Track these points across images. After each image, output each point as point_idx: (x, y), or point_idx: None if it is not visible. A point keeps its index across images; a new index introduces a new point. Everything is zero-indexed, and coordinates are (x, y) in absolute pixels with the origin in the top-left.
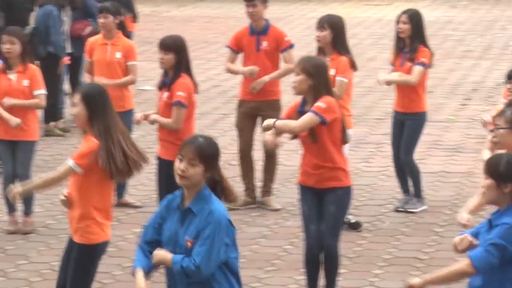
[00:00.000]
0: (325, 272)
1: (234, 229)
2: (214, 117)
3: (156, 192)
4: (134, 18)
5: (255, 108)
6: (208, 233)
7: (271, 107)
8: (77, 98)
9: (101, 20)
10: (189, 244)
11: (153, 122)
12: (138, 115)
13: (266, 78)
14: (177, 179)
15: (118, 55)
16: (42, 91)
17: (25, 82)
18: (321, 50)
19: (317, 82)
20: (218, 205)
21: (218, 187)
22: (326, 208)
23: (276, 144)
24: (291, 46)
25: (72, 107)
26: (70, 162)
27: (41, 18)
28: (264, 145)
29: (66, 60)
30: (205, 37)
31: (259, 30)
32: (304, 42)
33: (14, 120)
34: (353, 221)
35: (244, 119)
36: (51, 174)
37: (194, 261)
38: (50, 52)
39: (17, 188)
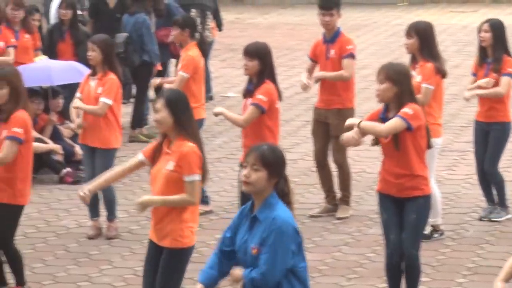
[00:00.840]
0: (406, 281)
1: (300, 237)
2: (297, 124)
3: (239, 198)
4: (219, 26)
5: (325, 115)
6: (271, 241)
7: (341, 116)
8: (160, 104)
9: (173, 33)
10: (254, 251)
11: (218, 114)
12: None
13: (318, 74)
14: (242, 186)
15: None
16: (106, 100)
17: (100, 90)
18: (413, 58)
19: (401, 89)
20: (283, 212)
21: (285, 199)
22: (406, 216)
23: (359, 142)
24: (351, 55)
25: (155, 113)
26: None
27: (133, 27)
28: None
29: (158, 67)
30: (288, 44)
31: (329, 38)
32: (389, 49)
33: (77, 122)
34: (426, 232)
35: (317, 126)
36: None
37: (260, 270)
38: (144, 60)
39: (83, 190)
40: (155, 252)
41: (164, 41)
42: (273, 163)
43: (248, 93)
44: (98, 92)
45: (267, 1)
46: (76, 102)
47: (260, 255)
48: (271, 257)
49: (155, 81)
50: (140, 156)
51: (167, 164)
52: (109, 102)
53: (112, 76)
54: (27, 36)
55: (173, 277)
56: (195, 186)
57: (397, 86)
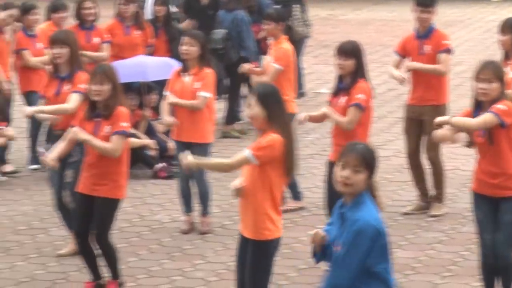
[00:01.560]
0: (501, 281)
1: (384, 239)
2: (390, 120)
3: (325, 195)
4: (305, 22)
5: (419, 112)
6: (347, 241)
7: (434, 112)
8: (253, 99)
9: (264, 26)
10: (337, 249)
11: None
12: (302, 115)
13: (414, 64)
14: (340, 187)
15: (270, 59)
16: (206, 94)
17: (198, 85)
18: (506, 54)
19: (502, 87)
20: (368, 213)
21: (372, 194)
22: (502, 217)
23: (455, 139)
24: (447, 50)
25: (248, 109)
26: (247, 152)
27: (231, 23)
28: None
29: (254, 64)
30: (381, 40)
31: (423, 34)
32: (483, 45)
33: (168, 119)
34: None
35: (409, 124)
36: (225, 160)
37: (334, 268)
38: (242, 57)
39: (190, 158)
40: (244, 245)
41: (255, 37)
42: (372, 163)
43: (339, 91)
44: (195, 87)
45: None
46: (170, 98)
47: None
48: (342, 256)
49: (245, 66)
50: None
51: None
52: (209, 95)
53: (209, 71)
54: (137, 32)
55: (259, 270)
56: (243, 159)
57: (502, 85)
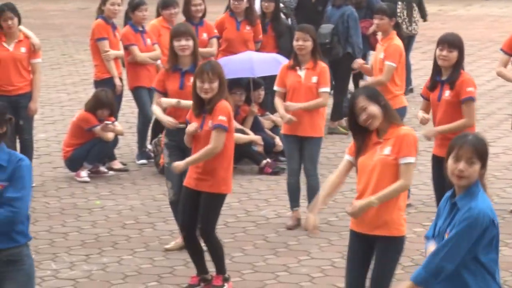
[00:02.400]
0: None
1: (496, 229)
2: (499, 117)
3: (435, 190)
4: (423, 17)
5: None
6: (459, 227)
7: None
8: (364, 101)
9: (376, 21)
10: (446, 236)
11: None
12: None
13: None
14: (454, 180)
15: (381, 56)
16: (327, 89)
17: (314, 79)
18: None
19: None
20: (482, 202)
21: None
22: None
23: None
24: None
25: (364, 112)
26: (412, 159)
27: (339, 18)
28: None
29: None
30: (491, 36)
31: None
32: None
33: (286, 116)
34: None
35: None
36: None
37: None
38: (347, 53)
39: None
40: (362, 244)
41: (364, 33)
42: (485, 153)
43: (438, 85)
44: (312, 81)
45: None
46: (293, 106)
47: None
48: (453, 242)
49: (358, 62)
50: (347, 157)
51: (381, 151)
52: (328, 90)
53: (323, 65)
54: (248, 28)
55: (389, 267)
56: (411, 169)
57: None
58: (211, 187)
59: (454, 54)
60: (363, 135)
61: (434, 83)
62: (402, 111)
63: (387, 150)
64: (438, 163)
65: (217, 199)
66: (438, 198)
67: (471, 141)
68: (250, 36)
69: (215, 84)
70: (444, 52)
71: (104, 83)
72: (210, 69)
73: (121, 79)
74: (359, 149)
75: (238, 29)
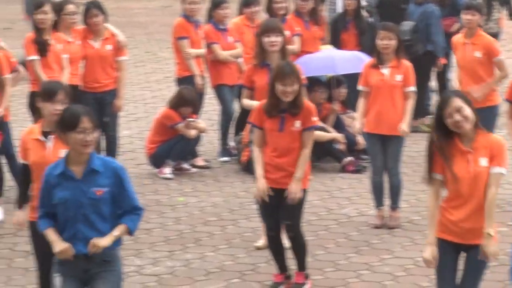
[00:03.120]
0: None
1: None
2: None
3: None
4: (510, 16)
5: None
6: None
7: None
8: (461, 102)
9: (467, 17)
10: None
11: None
12: None
13: None
14: None
15: (478, 54)
16: (413, 88)
17: (398, 77)
18: None
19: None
20: None
21: None
22: None
23: None
24: None
25: (458, 113)
26: (503, 170)
27: (420, 16)
28: None
29: (443, 60)
30: None
31: None
32: None
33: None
34: None
35: None
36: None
37: None
38: (428, 51)
39: None
40: (453, 253)
41: (447, 31)
42: None
43: None
44: (397, 80)
45: None
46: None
47: None
48: None
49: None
50: (436, 176)
51: (477, 162)
52: (414, 89)
53: (408, 63)
54: (315, 27)
55: (481, 274)
56: (500, 179)
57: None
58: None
59: None
60: (446, 141)
61: None
62: (495, 110)
63: (484, 161)
64: None
65: (304, 194)
66: None
67: None
68: (318, 34)
69: (296, 86)
70: None
71: (186, 81)
72: (291, 72)
73: (203, 77)
74: (446, 158)
75: (307, 28)
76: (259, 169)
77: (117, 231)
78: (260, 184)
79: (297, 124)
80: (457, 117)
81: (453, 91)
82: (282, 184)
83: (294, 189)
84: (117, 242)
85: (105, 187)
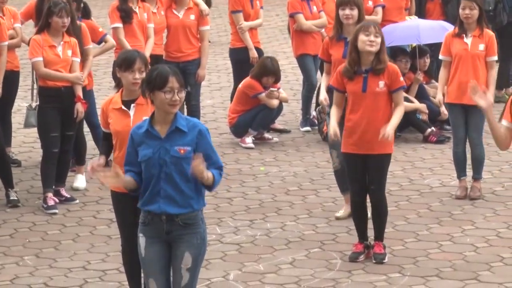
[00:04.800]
0: None
1: None
2: None
3: None
4: None
5: None
6: None
7: None
8: None
9: None
10: None
11: None
12: None
13: None
14: None
15: None
16: (495, 58)
17: (481, 47)
18: None
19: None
20: None
21: None
22: None
23: None
24: None
25: None
26: None
27: None
28: None
29: None
30: None
31: None
32: None
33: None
34: None
35: None
36: None
37: None
38: (510, 21)
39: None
40: None
41: None
42: None
43: None
44: (479, 49)
45: None
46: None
47: None
48: None
49: None
50: (504, 123)
51: None
52: (496, 58)
53: (491, 33)
54: None
55: None
56: None
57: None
58: (381, 148)
59: None
60: None
61: None
62: None
63: None
64: None
65: (388, 159)
66: None
67: None
68: (404, 4)
69: (379, 39)
70: None
71: (238, 52)
72: (374, 24)
73: (260, 50)
74: None
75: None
76: (333, 120)
77: (209, 173)
78: (331, 128)
79: (381, 84)
80: None
81: None
82: (367, 148)
83: (388, 130)
84: (199, 204)
85: (188, 146)
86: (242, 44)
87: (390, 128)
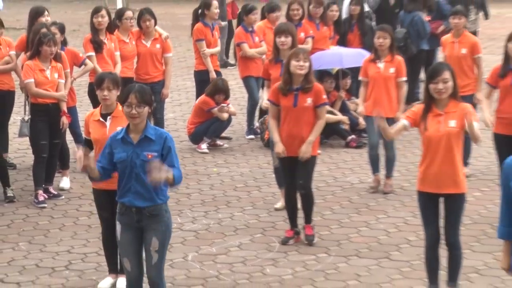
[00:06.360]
0: None
1: None
2: None
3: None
4: (486, 15)
5: None
6: None
7: None
8: (448, 75)
9: (455, 21)
10: None
11: None
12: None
13: None
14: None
15: (463, 51)
16: (404, 79)
17: (391, 70)
18: None
19: None
20: None
21: None
22: None
23: None
24: None
25: (443, 83)
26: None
27: (410, 22)
28: None
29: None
30: None
31: None
32: None
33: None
34: None
35: None
36: None
37: None
38: (419, 50)
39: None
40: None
41: (434, 32)
42: None
43: (508, 72)
44: (390, 72)
45: None
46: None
47: None
48: None
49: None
50: (404, 121)
51: (447, 123)
52: (405, 79)
53: (400, 58)
54: (325, 28)
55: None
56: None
57: None
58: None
59: None
60: (427, 107)
61: (504, 71)
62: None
63: (452, 123)
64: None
65: (314, 159)
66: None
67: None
68: (327, 34)
69: (308, 64)
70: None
71: (201, 74)
72: (303, 51)
73: (218, 72)
74: (417, 120)
75: (318, 29)
76: (276, 136)
77: (170, 172)
78: (278, 147)
79: (309, 100)
80: (441, 85)
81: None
82: (296, 152)
83: (304, 149)
84: (163, 198)
85: (155, 152)
86: (204, 67)
87: (305, 147)
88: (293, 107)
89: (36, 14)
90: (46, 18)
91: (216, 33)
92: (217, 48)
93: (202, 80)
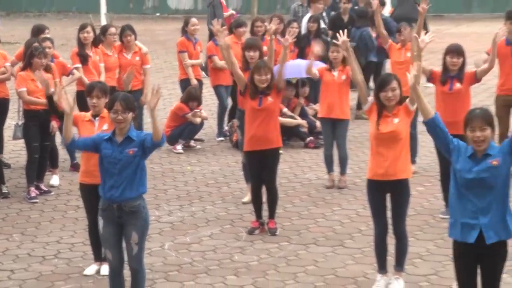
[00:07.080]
0: None
1: None
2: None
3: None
4: (426, 32)
5: None
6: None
7: None
8: (395, 84)
9: (401, 38)
10: (494, 162)
11: None
12: None
13: None
14: (476, 146)
15: (409, 54)
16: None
17: (343, 77)
18: None
19: None
20: None
21: None
22: None
23: None
24: None
25: (392, 91)
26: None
27: (359, 37)
28: None
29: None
30: (476, 47)
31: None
32: None
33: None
34: None
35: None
36: None
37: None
38: (368, 61)
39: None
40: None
41: (381, 46)
42: (492, 121)
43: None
44: (342, 78)
45: (460, 16)
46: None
47: None
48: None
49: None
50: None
51: (393, 121)
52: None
53: (349, 68)
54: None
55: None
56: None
57: None
58: (274, 143)
59: (461, 60)
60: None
61: (444, 78)
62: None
63: (396, 121)
64: None
65: (278, 153)
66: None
67: (479, 113)
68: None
69: (269, 76)
70: (454, 59)
71: (184, 82)
72: (265, 66)
73: (200, 80)
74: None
75: (280, 43)
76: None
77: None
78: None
79: (270, 100)
80: (390, 94)
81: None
82: (266, 145)
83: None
84: (140, 198)
85: (135, 147)
86: (187, 76)
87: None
88: (259, 107)
89: (38, 31)
90: (46, 36)
91: (198, 47)
92: (199, 60)
93: (185, 87)
